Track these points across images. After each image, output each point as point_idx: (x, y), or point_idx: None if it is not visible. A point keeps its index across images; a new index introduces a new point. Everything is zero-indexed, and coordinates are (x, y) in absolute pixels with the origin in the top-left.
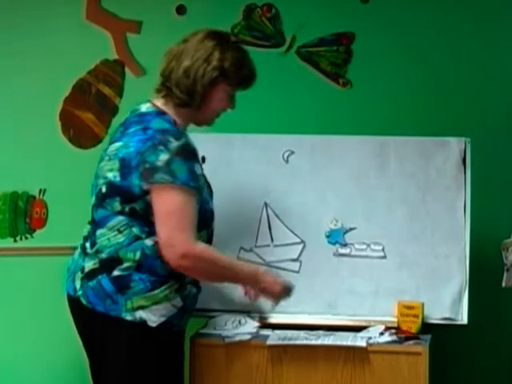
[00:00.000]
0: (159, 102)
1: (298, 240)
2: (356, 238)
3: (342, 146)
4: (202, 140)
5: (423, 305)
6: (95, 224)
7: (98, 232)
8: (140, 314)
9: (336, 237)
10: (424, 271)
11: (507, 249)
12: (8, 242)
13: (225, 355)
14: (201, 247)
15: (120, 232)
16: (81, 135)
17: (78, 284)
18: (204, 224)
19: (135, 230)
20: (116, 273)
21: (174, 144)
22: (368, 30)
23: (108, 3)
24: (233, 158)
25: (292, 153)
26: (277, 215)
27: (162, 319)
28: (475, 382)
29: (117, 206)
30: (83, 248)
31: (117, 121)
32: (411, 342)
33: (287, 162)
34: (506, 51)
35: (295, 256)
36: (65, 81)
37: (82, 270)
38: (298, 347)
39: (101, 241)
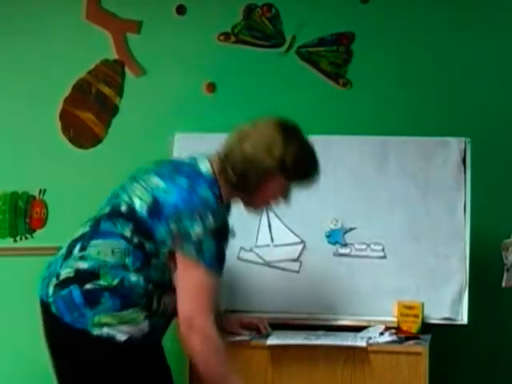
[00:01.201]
0: (216, 167)
1: (298, 240)
2: (356, 238)
3: (342, 145)
4: (202, 140)
5: (423, 305)
6: (96, 232)
7: (94, 241)
8: (106, 330)
9: (336, 237)
10: (424, 271)
11: (507, 249)
12: (8, 242)
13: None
14: (214, 332)
15: (113, 253)
16: (81, 135)
17: (50, 290)
18: None
19: (127, 260)
20: (88, 286)
21: (211, 223)
22: (368, 30)
23: (108, 3)
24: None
25: None
26: (277, 215)
27: (129, 335)
28: (475, 382)
29: (126, 230)
30: (70, 248)
31: (117, 121)
32: (411, 342)
33: None
34: (506, 51)
35: (295, 256)
36: (65, 81)
37: (58, 276)
38: (298, 347)
39: (91, 250)
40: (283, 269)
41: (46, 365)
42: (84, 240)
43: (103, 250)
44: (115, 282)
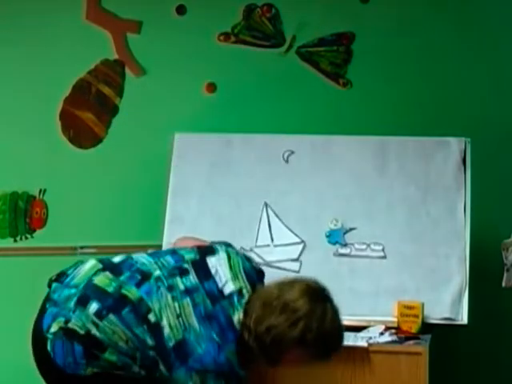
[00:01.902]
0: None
1: (298, 240)
2: (356, 238)
3: (342, 146)
4: (202, 140)
5: (423, 305)
6: (116, 308)
7: (113, 318)
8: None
9: (336, 237)
10: (424, 271)
11: (507, 249)
12: (8, 242)
13: None
14: None
15: (127, 343)
16: (81, 135)
17: (54, 328)
18: None
19: (137, 355)
20: (94, 351)
21: None
22: (368, 30)
23: (108, 3)
24: (233, 158)
25: (292, 153)
26: (277, 215)
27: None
28: (475, 382)
29: (148, 340)
30: (84, 297)
31: (117, 121)
32: (411, 342)
33: (287, 162)
34: (506, 51)
35: (295, 256)
36: (65, 81)
37: (67, 321)
38: None
39: (107, 325)
40: (283, 269)
41: None
42: (103, 305)
43: (119, 334)
44: (118, 364)
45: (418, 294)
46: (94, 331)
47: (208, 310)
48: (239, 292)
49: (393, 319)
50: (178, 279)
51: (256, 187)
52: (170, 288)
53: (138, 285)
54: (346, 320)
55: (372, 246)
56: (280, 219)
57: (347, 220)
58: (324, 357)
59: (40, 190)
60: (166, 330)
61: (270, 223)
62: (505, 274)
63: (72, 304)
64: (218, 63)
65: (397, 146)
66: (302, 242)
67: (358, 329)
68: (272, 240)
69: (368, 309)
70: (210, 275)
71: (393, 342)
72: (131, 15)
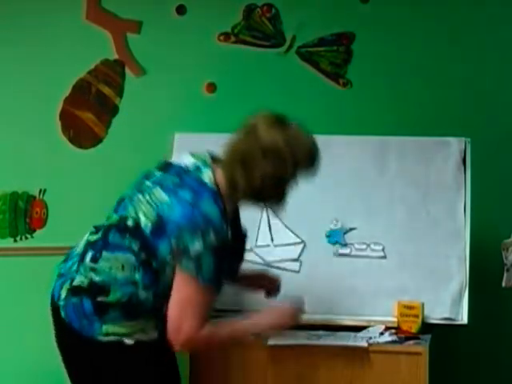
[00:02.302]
0: (220, 179)
1: (298, 240)
2: (356, 238)
3: (342, 145)
4: (202, 140)
5: (423, 305)
6: (106, 243)
7: (105, 254)
8: (114, 337)
9: (336, 237)
10: (424, 271)
11: (507, 249)
12: (8, 242)
13: (225, 355)
14: (204, 334)
15: (122, 269)
16: (81, 135)
17: (63, 293)
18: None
19: (137, 276)
20: (99, 299)
21: (212, 240)
22: (368, 30)
23: (108, 3)
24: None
25: None
26: (277, 215)
27: (137, 340)
28: (475, 382)
29: (134, 246)
30: (83, 254)
31: (117, 121)
32: (411, 342)
33: None
34: (506, 51)
35: (295, 256)
36: (65, 81)
37: (72, 280)
38: (298, 347)
39: (103, 264)
40: (283, 269)
41: (48, 364)
42: (96, 249)
43: (114, 265)
44: (124, 299)
45: (418, 294)
46: (94, 278)
47: (175, 182)
48: (204, 162)
49: (393, 319)
50: (145, 181)
51: None
52: (140, 190)
53: (116, 210)
54: (346, 320)
55: (372, 246)
56: (280, 219)
57: (347, 220)
58: (313, 171)
59: (40, 190)
60: (143, 220)
61: (270, 223)
62: (505, 274)
63: (75, 267)
64: (218, 63)
65: (397, 145)
66: (302, 242)
67: (358, 329)
68: (272, 240)
69: (368, 309)
70: (174, 165)
71: (393, 341)
72: (131, 15)
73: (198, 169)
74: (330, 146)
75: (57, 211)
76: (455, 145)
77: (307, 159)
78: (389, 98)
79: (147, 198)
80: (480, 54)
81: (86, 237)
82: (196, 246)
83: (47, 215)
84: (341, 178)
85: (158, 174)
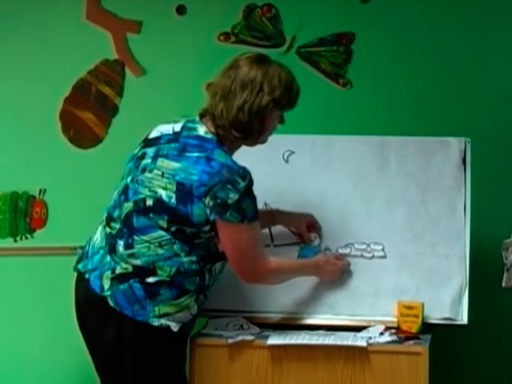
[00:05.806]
0: (212, 127)
1: (298, 240)
2: (356, 238)
3: (341, 145)
4: None
5: (423, 305)
6: (132, 228)
7: (138, 238)
8: (164, 320)
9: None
10: (424, 271)
11: (507, 249)
12: (8, 242)
13: (225, 355)
14: (275, 263)
15: (161, 245)
16: (81, 135)
17: (106, 284)
18: None
19: (176, 247)
20: (149, 280)
21: (242, 185)
22: (368, 30)
23: (108, 3)
24: (233, 158)
25: (292, 153)
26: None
27: (180, 325)
28: (475, 382)
29: (162, 222)
30: (112, 246)
31: (117, 121)
32: (411, 342)
33: (287, 162)
34: (506, 51)
35: (295, 256)
36: (65, 81)
37: (113, 270)
38: (298, 347)
39: (139, 247)
40: None
41: (50, 364)
42: (125, 237)
43: (152, 245)
44: (173, 271)
45: (418, 294)
46: (136, 262)
47: (176, 147)
48: (192, 120)
49: (393, 319)
50: (142, 161)
51: (256, 187)
52: (142, 170)
53: (126, 198)
54: (346, 320)
55: (372, 246)
56: None
57: (347, 220)
58: (293, 105)
59: (40, 190)
60: (163, 193)
61: None
62: (505, 274)
63: (107, 258)
64: (218, 63)
65: (397, 145)
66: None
67: (357, 329)
68: (272, 240)
69: (368, 309)
70: (160, 135)
71: (393, 341)
72: (131, 15)
73: (189, 128)
74: (330, 145)
75: (57, 211)
76: (455, 145)
77: (284, 88)
78: (389, 98)
79: (156, 172)
80: (480, 54)
81: (99, 232)
82: (231, 195)
83: (47, 215)
84: (341, 178)
85: (149, 150)
